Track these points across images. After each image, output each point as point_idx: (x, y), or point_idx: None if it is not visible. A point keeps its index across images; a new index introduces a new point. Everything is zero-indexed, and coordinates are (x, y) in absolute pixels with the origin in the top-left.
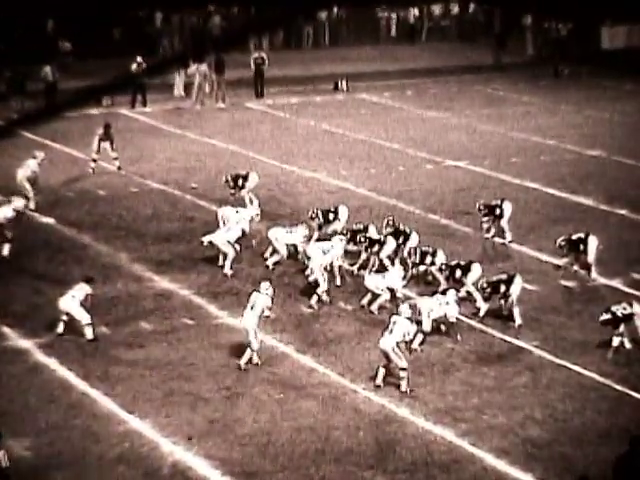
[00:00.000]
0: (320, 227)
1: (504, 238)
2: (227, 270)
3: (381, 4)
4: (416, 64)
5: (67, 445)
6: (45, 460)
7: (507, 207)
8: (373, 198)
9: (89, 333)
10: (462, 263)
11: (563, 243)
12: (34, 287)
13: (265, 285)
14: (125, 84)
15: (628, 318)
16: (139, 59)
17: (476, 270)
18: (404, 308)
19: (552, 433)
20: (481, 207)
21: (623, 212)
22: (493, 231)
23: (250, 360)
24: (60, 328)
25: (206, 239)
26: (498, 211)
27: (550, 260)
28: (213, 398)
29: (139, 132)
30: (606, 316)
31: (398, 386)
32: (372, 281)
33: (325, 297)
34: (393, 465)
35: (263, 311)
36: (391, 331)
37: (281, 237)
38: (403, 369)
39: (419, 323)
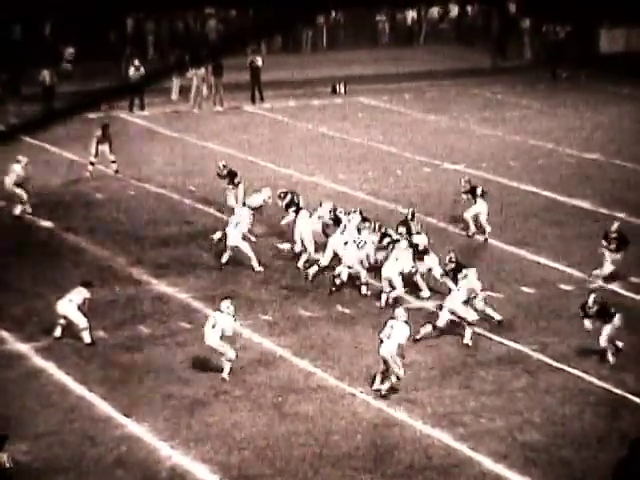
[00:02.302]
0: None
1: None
2: (257, 268)
3: (379, 7)
4: (414, 67)
5: (65, 449)
6: (43, 464)
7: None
8: (371, 201)
9: (87, 337)
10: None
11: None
12: (32, 291)
13: (226, 304)
14: (125, 90)
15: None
16: (137, 63)
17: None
18: (400, 312)
19: (551, 437)
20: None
21: (622, 215)
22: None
23: (231, 369)
24: (58, 332)
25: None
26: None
27: (548, 264)
28: (211, 402)
29: (137, 135)
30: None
31: (391, 389)
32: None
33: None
34: (391, 469)
35: (224, 331)
36: (389, 336)
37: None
38: (398, 378)
39: (462, 319)
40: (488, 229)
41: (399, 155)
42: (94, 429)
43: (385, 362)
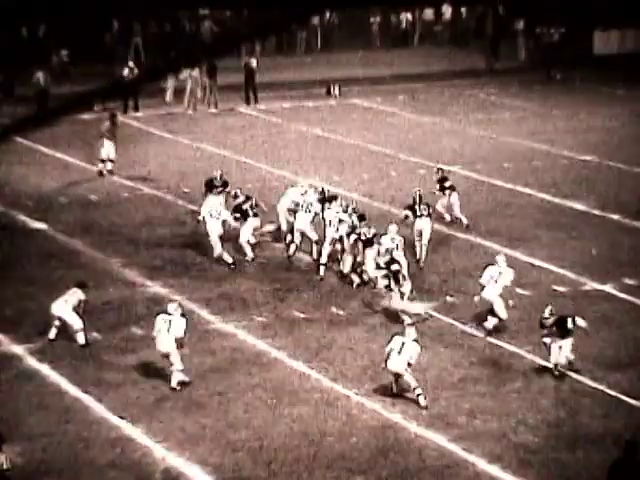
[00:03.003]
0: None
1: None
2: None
3: (373, 9)
4: (408, 69)
5: (59, 451)
6: (37, 466)
7: (454, 197)
8: (365, 203)
9: (81, 339)
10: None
11: None
12: (26, 292)
13: (173, 306)
14: (118, 90)
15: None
16: (131, 64)
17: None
18: (411, 331)
19: (545, 438)
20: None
21: (615, 217)
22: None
23: (183, 382)
24: (52, 334)
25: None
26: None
27: (542, 265)
28: (205, 403)
29: (131, 137)
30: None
31: (396, 394)
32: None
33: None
34: (386, 470)
35: (177, 333)
36: (400, 352)
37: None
38: (416, 388)
39: (493, 313)
40: (464, 220)
41: (393, 157)
42: (88, 431)
43: (398, 376)
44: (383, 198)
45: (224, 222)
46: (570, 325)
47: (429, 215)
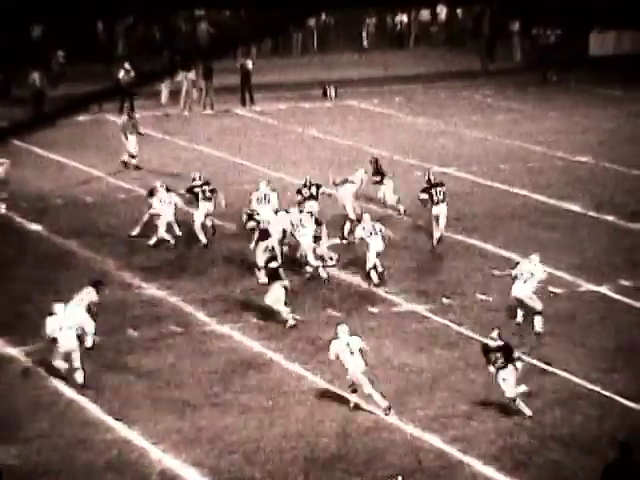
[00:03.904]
0: None
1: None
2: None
3: (369, 10)
4: (404, 70)
5: (55, 453)
6: (33, 468)
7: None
8: (362, 205)
9: (89, 341)
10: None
11: None
12: (21, 294)
13: (77, 298)
14: (115, 92)
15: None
16: (127, 66)
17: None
18: (343, 329)
19: (541, 439)
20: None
21: (611, 218)
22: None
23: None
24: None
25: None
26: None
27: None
28: (201, 405)
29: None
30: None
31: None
32: None
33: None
34: (382, 472)
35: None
36: (352, 352)
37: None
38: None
39: (523, 305)
40: (401, 207)
41: (389, 158)
42: (84, 433)
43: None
44: (378, 199)
45: (175, 205)
46: (515, 355)
47: (445, 200)
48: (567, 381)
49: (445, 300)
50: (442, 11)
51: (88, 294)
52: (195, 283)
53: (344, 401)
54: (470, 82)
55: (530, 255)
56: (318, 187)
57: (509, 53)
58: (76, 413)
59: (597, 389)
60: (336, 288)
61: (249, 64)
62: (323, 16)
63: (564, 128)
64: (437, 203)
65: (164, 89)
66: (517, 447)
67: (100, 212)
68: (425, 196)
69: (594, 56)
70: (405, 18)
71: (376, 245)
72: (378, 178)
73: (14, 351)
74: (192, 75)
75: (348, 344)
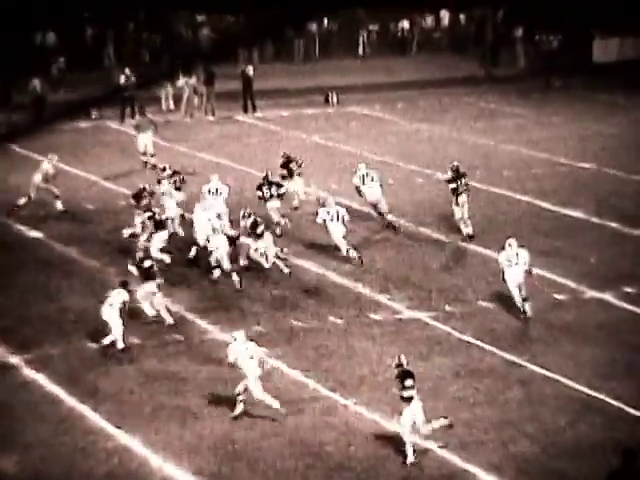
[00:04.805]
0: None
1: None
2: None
3: (370, 17)
4: (407, 76)
5: (55, 461)
6: (33, 476)
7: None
8: (364, 212)
9: (120, 343)
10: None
11: None
12: (21, 302)
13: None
14: (114, 97)
15: None
16: (127, 71)
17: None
18: (239, 334)
19: (544, 447)
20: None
21: (614, 225)
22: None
23: None
24: (107, 340)
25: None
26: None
27: (541, 273)
28: (203, 413)
29: (128, 145)
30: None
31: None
32: None
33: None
34: None
35: None
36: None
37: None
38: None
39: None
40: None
41: (392, 165)
42: (85, 441)
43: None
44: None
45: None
46: (408, 383)
47: (468, 190)
48: (570, 389)
49: (447, 307)
50: (445, 17)
51: (119, 294)
52: (196, 291)
53: (347, 409)
54: (473, 88)
55: (509, 244)
56: (279, 186)
57: (512, 59)
58: (77, 421)
59: (601, 396)
60: (339, 296)
61: (250, 70)
62: (325, 22)
63: (567, 134)
64: (460, 193)
65: (164, 95)
66: (520, 455)
67: (101, 219)
68: (454, 185)
69: (597, 62)
70: (407, 24)
71: (337, 230)
72: (285, 172)
73: (14, 359)
74: (193, 81)
75: (247, 348)
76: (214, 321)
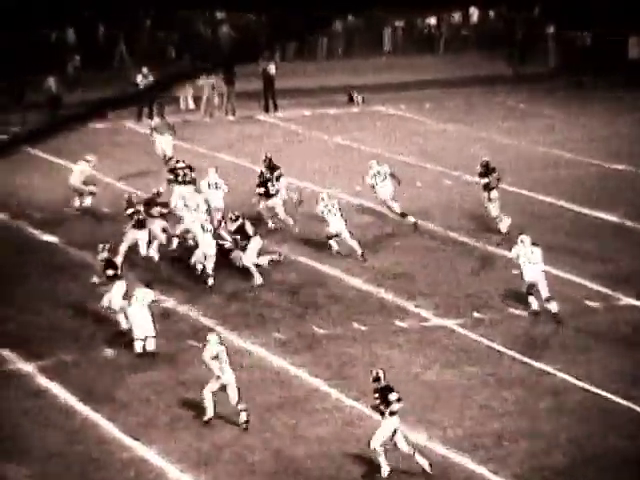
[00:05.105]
0: None
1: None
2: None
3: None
4: (434, 75)
5: (69, 472)
6: None
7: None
8: (389, 215)
9: (150, 345)
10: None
11: None
12: (35, 307)
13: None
14: (134, 98)
15: None
16: (145, 70)
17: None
18: (212, 337)
19: (575, 459)
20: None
21: None
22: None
23: None
24: (138, 347)
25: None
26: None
27: (573, 279)
28: (221, 424)
29: (145, 146)
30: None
31: None
32: None
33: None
34: None
35: None
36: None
37: None
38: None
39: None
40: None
41: (418, 166)
42: (99, 451)
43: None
44: (408, 210)
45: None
46: (393, 397)
47: (498, 186)
48: (602, 398)
49: (475, 314)
50: (474, 13)
51: (146, 294)
52: (215, 297)
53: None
54: (502, 87)
55: (521, 240)
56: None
57: (543, 57)
58: (91, 431)
59: (633, 407)
60: (363, 301)
61: (272, 69)
62: (349, 19)
63: (599, 134)
64: (493, 188)
65: (183, 95)
66: (550, 467)
67: (116, 223)
68: (486, 180)
69: (632, 60)
70: (434, 20)
71: (335, 224)
72: (268, 175)
73: (27, 366)
74: (213, 80)
75: (220, 352)
76: (233, 328)
